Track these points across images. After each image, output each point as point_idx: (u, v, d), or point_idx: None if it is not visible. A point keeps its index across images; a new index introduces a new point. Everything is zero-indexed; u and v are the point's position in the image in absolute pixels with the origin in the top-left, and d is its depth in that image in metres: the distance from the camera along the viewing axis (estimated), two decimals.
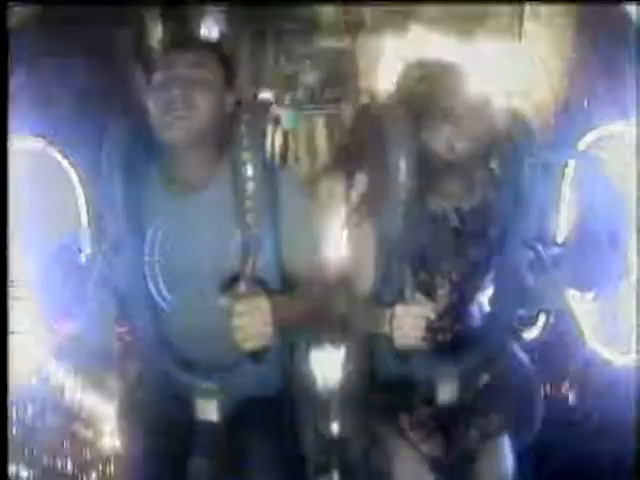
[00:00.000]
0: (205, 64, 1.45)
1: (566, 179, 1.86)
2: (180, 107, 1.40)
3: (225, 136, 1.44)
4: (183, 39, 1.55)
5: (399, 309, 1.35)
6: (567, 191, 1.86)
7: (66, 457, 1.92)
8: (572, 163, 1.86)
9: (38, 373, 1.82)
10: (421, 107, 1.46)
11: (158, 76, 1.44)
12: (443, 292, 1.57)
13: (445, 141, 1.46)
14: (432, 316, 1.37)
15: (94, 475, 1.93)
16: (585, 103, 1.99)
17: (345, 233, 1.65)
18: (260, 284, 1.35)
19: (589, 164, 1.77)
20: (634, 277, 1.65)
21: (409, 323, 1.35)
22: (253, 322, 1.29)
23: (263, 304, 1.30)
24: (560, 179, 1.86)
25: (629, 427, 1.73)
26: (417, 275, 1.47)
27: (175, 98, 1.40)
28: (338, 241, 1.68)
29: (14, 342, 1.47)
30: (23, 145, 1.76)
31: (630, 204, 1.64)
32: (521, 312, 1.61)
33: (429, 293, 1.50)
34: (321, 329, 1.81)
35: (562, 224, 1.85)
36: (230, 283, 1.35)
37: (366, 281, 1.56)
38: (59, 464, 1.89)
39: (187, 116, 1.41)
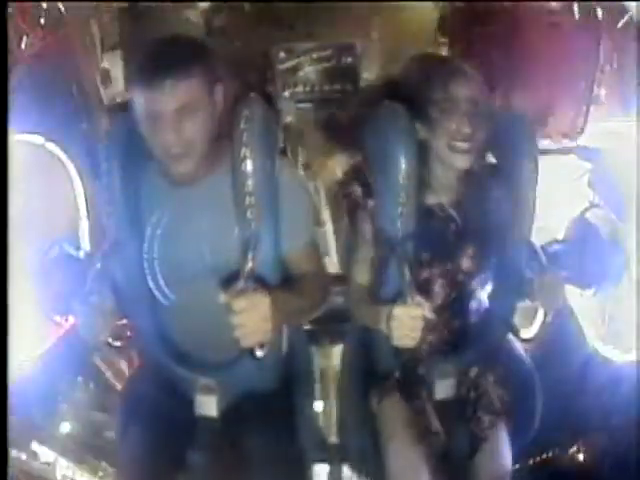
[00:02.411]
0: (190, 90, 1.35)
1: (566, 175, 1.86)
2: (176, 147, 1.37)
3: (222, 129, 1.43)
4: (161, 65, 1.35)
5: (397, 310, 1.34)
6: (567, 187, 1.86)
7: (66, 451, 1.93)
8: (573, 158, 1.86)
9: (37, 367, 1.82)
10: (420, 102, 1.46)
11: (144, 112, 1.36)
12: (442, 290, 1.56)
13: (446, 141, 1.46)
14: (430, 316, 1.37)
15: (94, 468, 1.94)
16: (585, 99, 1.98)
17: (344, 229, 1.65)
18: (259, 280, 1.34)
19: (589, 160, 1.77)
20: (635, 273, 1.65)
21: (407, 324, 1.35)
22: (252, 319, 1.29)
23: (262, 301, 1.30)
24: (560, 175, 1.86)
25: (630, 425, 1.73)
26: (416, 273, 1.46)
27: (170, 141, 1.36)
28: (337, 237, 1.68)
29: (13, 336, 1.47)
30: (23, 140, 1.75)
31: (630, 200, 1.64)
32: (520, 309, 1.61)
33: (428, 292, 1.50)
34: (320, 325, 1.81)
35: (562, 220, 1.85)
36: (230, 280, 1.35)
37: (364, 278, 1.56)
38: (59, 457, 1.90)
39: (185, 152, 1.38)
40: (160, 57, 1.38)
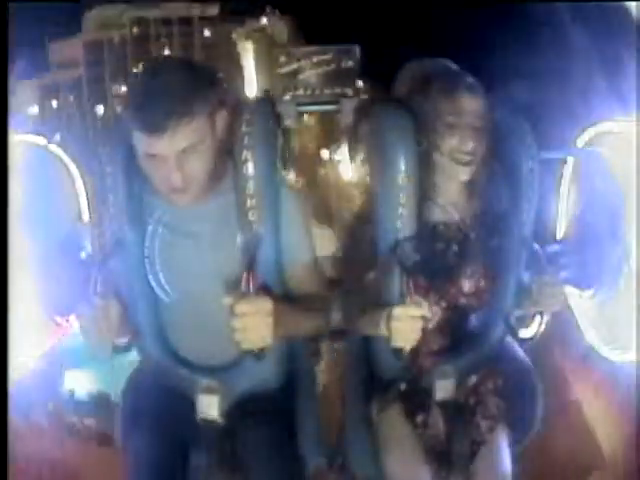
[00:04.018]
0: (192, 132, 1.31)
1: (566, 176, 1.86)
2: (178, 183, 1.35)
3: (224, 143, 1.42)
4: (162, 113, 1.28)
5: (397, 310, 1.34)
6: (567, 188, 1.86)
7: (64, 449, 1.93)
8: (572, 160, 1.86)
9: (38, 366, 1.82)
10: (423, 113, 1.46)
11: (144, 154, 1.34)
12: (441, 292, 1.57)
13: (447, 153, 1.46)
14: (429, 317, 1.37)
15: (93, 469, 1.93)
16: (585, 99, 1.99)
17: (344, 234, 1.65)
18: (262, 284, 1.35)
19: (589, 161, 1.77)
20: (634, 273, 1.65)
21: (407, 324, 1.35)
22: (255, 323, 1.29)
23: (265, 305, 1.29)
24: (560, 176, 1.87)
25: (630, 425, 1.73)
26: (415, 277, 1.46)
27: (171, 178, 1.34)
28: (337, 242, 1.68)
29: (14, 336, 1.47)
30: (25, 140, 1.76)
31: (630, 200, 1.64)
32: (519, 310, 1.61)
33: (427, 294, 1.50)
34: (321, 329, 1.81)
35: (562, 221, 1.85)
36: (232, 283, 1.35)
37: (364, 282, 1.57)
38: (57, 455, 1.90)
39: (187, 187, 1.37)
40: (159, 97, 1.30)
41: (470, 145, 1.45)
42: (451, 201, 1.55)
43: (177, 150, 1.32)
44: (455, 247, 1.55)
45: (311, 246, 1.55)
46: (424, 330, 1.36)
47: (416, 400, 1.59)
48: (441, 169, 1.49)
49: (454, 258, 1.55)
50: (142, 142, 1.33)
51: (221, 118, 1.39)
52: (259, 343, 1.30)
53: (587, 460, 1.97)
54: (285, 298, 1.46)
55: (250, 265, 1.33)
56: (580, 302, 1.85)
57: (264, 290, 1.33)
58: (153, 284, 1.49)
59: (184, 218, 1.47)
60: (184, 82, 1.32)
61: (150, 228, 1.48)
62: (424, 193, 1.48)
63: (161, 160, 1.34)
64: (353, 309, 1.59)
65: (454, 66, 1.56)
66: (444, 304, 1.57)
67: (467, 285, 1.57)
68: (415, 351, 1.39)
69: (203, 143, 1.35)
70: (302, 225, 1.52)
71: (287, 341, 1.59)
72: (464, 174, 1.48)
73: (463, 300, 1.57)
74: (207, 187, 1.43)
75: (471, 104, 1.45)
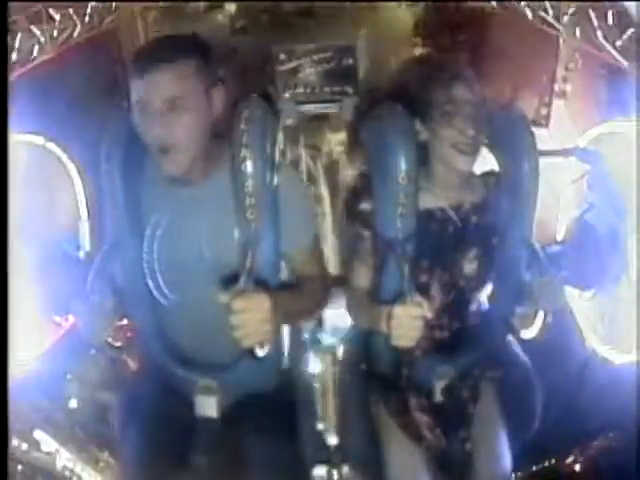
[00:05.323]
0: (180, 83, 1.36)
1: (567, 176, 1.87)
2: (164, 142, 1.37)
3: (221, 130, 1.43)
4: (155, 55, 1.37)
5: (397, 309, 1.34)
6: (567, 188, 1.86)
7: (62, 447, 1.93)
8: (573, 160, 1.86)
9: (36, 367, 1.82)
10: (422, 104, 1.47)
11: (135, 101, 1.38)
12: (441, 291, 1.57)
13: (448, 143, 1.46)
14: (430, 316, 1.37)
15: (91, 467, 1.93)
16: (586, 100, 1.99)
17: (344, 231, 1.65)
18: (260, 281, 1.35)
19: (589, 161, 1.77)
20: (634, 275, 1.65)
21: (407, 324, 1.35)
22: (252, 319, 1.29)
23: (262, 301, 1.30)
24: (560, 176, 1.87)
25: (629, 426, 1.73)
26: (416, 274, 1.46)
27: (157, 134, 1.37)
28: (337, 238, 1.68)
29: (14, 336, 1.47)
30: (23, 140, 1.75)
31: (630, 201, 1.64)
32: (520, 310, 1.61)
33: (427, 293, 1.50)
34: (319, 325, 1.81)
35: (562, 221, 1.86)
36: (230, 280, 1.35)
37: (364, 279, 1.57)
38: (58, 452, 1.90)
39: (174, 149, 1.38)
40: (155, 49, 1.42)
41: (470, 131, 1.45)
42: (450, 190, 1.55)
43: (163, 98, 1.35)
44: (452, 230, 1.55)
45: (312, 237, 1.55)
46: (426, 324, 1.36)
47: (415, 399, 1.59)
48: (441, 158, 1.49)
49: (453, 241, 1.55)
50: (134, 89, 1.38)
51: (217, 92, 1.43)
52: (258, 338, 1.31)
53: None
54: (282, 287, 1.46)
55: (248, 263, 1.33)
56: (580, 302, 1.85)
57: (261, 286, 1.33)
58: (151, 283, 1.49)
59: (182, 218, 1.47)
60: (181, 44, 1.42)
61: (148, 228, 1.48)
62: (423, 186, 1.48)
63: (148, 111, 1.36)
64: (352, 306, 1.60)
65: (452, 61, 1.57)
66: (444, 287, 1.56)
67: (467, 267, 1.57)
68: (415, 349, 1.39)
69: (192, 105, 1.37)
70: (303, 217, 1.53)
71: (286, 342, 1.59)
72: (464, 164, 1.48)
73: (464, 283, 1.57)
74: (202, 169, 1.44)
75: (467, 94, 1.46)
